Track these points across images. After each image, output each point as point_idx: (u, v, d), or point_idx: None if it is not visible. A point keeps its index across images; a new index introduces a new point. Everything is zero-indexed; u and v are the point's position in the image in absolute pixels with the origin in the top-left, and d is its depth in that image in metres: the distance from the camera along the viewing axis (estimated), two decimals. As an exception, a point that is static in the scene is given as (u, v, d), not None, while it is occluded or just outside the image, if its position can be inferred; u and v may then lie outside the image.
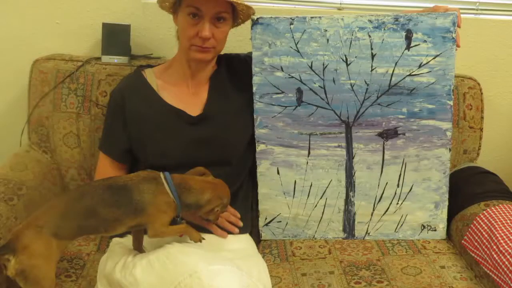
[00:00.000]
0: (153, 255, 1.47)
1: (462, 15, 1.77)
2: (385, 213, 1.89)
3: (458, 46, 1.77)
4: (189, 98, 1.79)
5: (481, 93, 2.06)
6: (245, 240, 1.79)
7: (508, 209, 1.78)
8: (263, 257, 1.81)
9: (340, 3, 2.19)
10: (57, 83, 1.97)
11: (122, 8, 2.08)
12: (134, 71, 1.86)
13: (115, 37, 2.02)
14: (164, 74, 1.82)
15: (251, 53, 1.87)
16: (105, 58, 2.02)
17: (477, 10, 2.22)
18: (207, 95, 1.80)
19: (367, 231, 1.91)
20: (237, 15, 1.74)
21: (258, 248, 1.86)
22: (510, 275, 1.56)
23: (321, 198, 1.90)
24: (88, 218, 1.46)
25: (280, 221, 1.93)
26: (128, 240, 1.67)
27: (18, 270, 1.38)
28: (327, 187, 1.89)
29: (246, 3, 1.69)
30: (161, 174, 1.53)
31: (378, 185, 1.88)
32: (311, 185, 1.89)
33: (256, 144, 1.87)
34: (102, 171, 1.79)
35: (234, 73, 1.86)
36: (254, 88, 1.82)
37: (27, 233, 1.40)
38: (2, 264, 1.40)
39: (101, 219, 1.46)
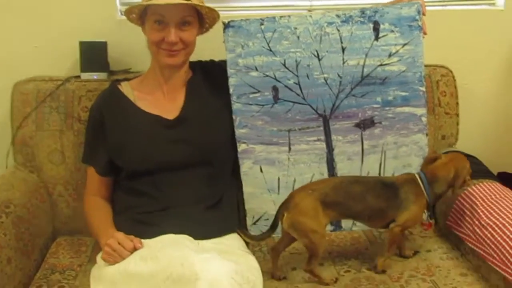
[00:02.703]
0: (146, 251, 1.51)
1: (429, 8, 1.84)
2: (369, 202, 1.92)
3: (425, 33, 1.83)
4: (165, 104, 1.84)
5: (454, 80, 2.11)
6: (233, 239, 1.81)
7: (488, 186, 1.82)
8: (253, 254, 1.82)
9: (310, 5, 2.25)
10: (38, 102, 2.00)
11: (98, 25, 2.12)
12: (109, 85, 1.91)
13: (93, 54, 2.07)
14: (140, 85, 1.87)
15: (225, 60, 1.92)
16: (85, 75, 2.06)
17: (443, 1, 2.29)
18: (184, 99, 1.84)
19: (353, 222, 1.92)
20: (203, 18, 1.80)
21: (248, 247, 1.88)
22: (493, 246, 1.59)
23: (305, 193, 1.93)
24: (356, 201, 1.69)
25: (268, 219, 1.93)
26: None
27: (289, 224, 1.64)
28: (310, 181, 1.91)
29: (208, 5, 1.75)
30: (416, 175, 1.73)
31: (360, 175, 1.90)
32: (295, 180, 1.91)
33: (237, 144, 1.89)
34: (88, 185, 1.88)
35: (210, 78, 1.91)
36: (231, 90, 1.86)
37: (300, 193, 1.68)
38: (280, 218, 1.67)
39: (368, 206, 1.69)
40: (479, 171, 1.92)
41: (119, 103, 1.83)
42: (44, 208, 1.99)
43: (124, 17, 2.12)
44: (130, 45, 2.13)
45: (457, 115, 2.10)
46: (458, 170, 1.72)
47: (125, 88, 1.86)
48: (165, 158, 1.77)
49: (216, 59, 1.97)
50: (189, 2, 1.70)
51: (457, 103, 2.11)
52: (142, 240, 1.63)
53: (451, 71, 2.12)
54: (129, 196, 1.79)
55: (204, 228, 1.73)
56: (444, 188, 1.72)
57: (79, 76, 2.07)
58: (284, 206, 1.68)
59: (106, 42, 2.08)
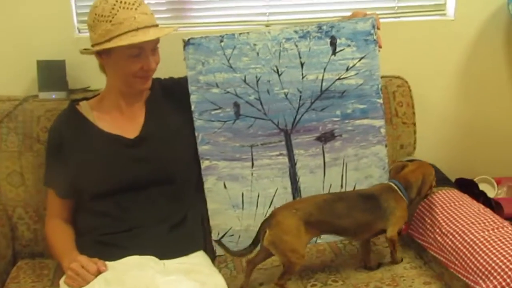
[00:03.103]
0: (110, 274, 1.50)
1: (383, 20, 1.88)
2: (332, 213, 1.95)
3: (380, 47, 1.87)
4: (125, 123, 1.83)
5: (410, 90, 2.17)
6: (199, 257, 1.81)
7: (447, 194, 1.88)
8: (219, 271, 1.83)
9: (267, 20, 2.27)
10: (-5, 123, 1.97)
11: (55, 44, 2.10)
12: (68, 105, 1.88)
13: (51, 73, 2.04)
14: (99, 105, 1.85)
15: (185, 77, 1.92)
16: (43, 95, 2.03)
17: (396, 14, 2.34)
18: (144, 118, 1.84)
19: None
20: None
21: (214, 264, 1.88)
22: (454, 253, 1.64)
23: (269, 207, 1.93)
24: (342, 219, 1.72)
25: (233, 235, 1.95)
26: None
27: (270, 241, 1.65)
28: (274, 195, 1.93)
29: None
30: (391, 184, 1.80)
31: (323, 187, 1.93)
32: (259, 195, 1.93)
33: (200, 160, 1.90)
34: (49, 208, 1.85)
35: (169, 95, 1.90)
36: (192, 106, 1.86)
37: (283, 212, 1.69)
38: (262, 235, 1.68)
39: (355, 222, 1.73)
40: (438, 178, 1.96)
41: (78, 124, 1.81)
42: (4, 231, 1.95)
43: (82, 35, 2.13)
44: (89, 63, 2.08)
45: (414, 124, 2.16)
46: (425, 176, 1.81)
47: (84, 108, 1.84)
48: (127, 178, 1.76)
49: (176, 75, 1.98)
50: (162, 32, 1.71)
51: (414, 113, 2.16)
52: (107, 263, 1.62)
53: (406, 82, 2.17)
54: (92, 217, 1.77)
55: (169, 248, 1.73)
56: (414, 193, 1.80)
57: (37, 96, 2.04)
58: (267, 223, 1.70)
59: (65, 60, 2.06)
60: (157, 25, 1.74)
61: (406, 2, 2.35)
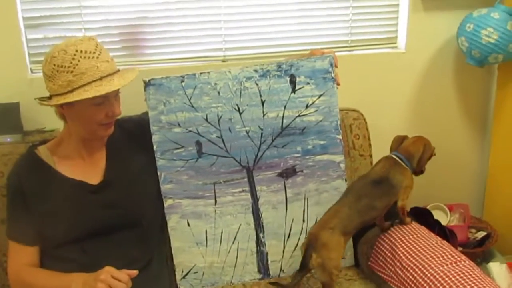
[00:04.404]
0: None
1: (337, 53, 1.92)
2: (295, 248, 1.97)
3: (338, 84, 1.92)
4: (87, 168, 1.80)
5: (365, 122, 2.22)
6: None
7: (406, 227, 1.92)
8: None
9: (224, 56, 2.30)
10: (-51, 168, 1.91)
11: (8, 86, 2.07)
12: (27, 151, 1.83)
13: (5, 116, 2.01)
14: (58, 149, 1.81)
15: (143, 114, 1.93)
16: (-3, 139, 1.99)
17: (349, 47, 2.41)
18: (106, 162, 1.82)
19: (281, 268, 1.98)
20: None
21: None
22: (415, 287, 1.69)
23: (233, 243, 1.95)
24: (369, 212, 1.80)
25: (197, 272, 1.96)
26: None
27: (319, 263, 1.69)
28: (237, 231, 1.95)
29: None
30: (393, 156, 1.89)
31: (285, 222, 1.96)
32: (222, 231, 1.94)
33: (163, 199, 1.90)
34: (15, 259, 1.77)
35: (129, 136, 1.89)
36: (154, 146, 1.87)
37: (323, 234, 1.72)
38: (308, 259, 1.71)
39: (379, 209, 1.82)
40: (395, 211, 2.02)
41: (39, 170, 1.77)
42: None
43: (35, 75, 2.10)
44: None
45: (371, 156, 2.21)
46: (426, 146, 1.92)
47: (43, 153, 1.80)
48: (93, 224, 1.74)
49: (136, 113, 1.97)
50: (127, 79, 1.68)
51: (370, 144, 2.22)
52: None
53: (361, 114, 2.22)
54: (58, 264, 1.73)
55: (136, 291, 1.72)
56: (415, 163, 1.89)
57: (-9, 139, 2.00)
58: (311, 248, 1.71)
59: (18, 102, 2.02)
60: (118, 70, 1.72)
61: (359, 35, 2.42)
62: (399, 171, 1.86)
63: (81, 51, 1.62)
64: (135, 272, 1.58)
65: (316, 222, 1.95)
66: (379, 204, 1.82)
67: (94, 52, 1.63)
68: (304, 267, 1.73)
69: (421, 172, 1.94)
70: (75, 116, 1.72)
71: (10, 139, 2.00)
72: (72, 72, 1.61)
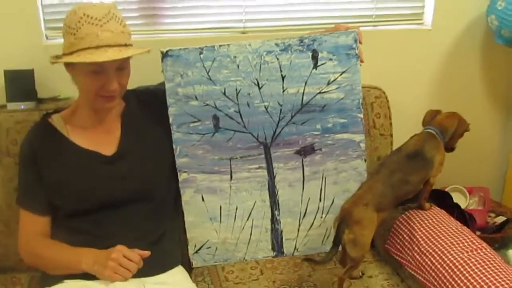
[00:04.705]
0: None
1: (360, 28, 1.86)
2: (310, 227, 1.94)
3: (362, 61, 1.85)
4: (101, 138, 1.76)
5: (387, 101, 2.16)
6: (178, 273, 1.78)
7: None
8: (197, 285, 1.80)
9: (244, 27, 2.23)
10: (-39, 135, 1.88)
11: (23, 53, 2.02)
12: (40, 119, 1.80)
13: (19, 83, 1.97)
14: (72, 118, 1.78)
15: (160, 84, 1.88)
16: (11, 105, 1.96)
17: (374, 22, 2.33)
18: (120, 133, 1.78)
19: (295, 247, 1.95)
20: None
21: (190, 277, 1.86)
22: (433, 273, 1.65)
23: (247, 220, 1.92)
24: (403, 187, 1.76)
25: (210, 247, 1.93)
26: (57, 287, 1.63)
27: (351, 239, 1.65)
28: (252, 208, 1.92)
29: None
30: (430, 130, 1.85)
31: (301, 201, 1.93)
32: (237, 208, 1.91)
33: (178, 173, 1.87)
34: (25, 228, 1.75)
35: (145, 107, 1.85)
36: (170, 119, 1.83)
37: (356, 210, 1.67)
38: (340, 234, 1.67)
39: (413, 184, 1.78)
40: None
41: (52, 138, 1.74)
42: (-27, 246, 1.88)
43: (50, 42, 2.05)
44: (58, 71, 2.00)
45: (391, 135, 2.15)
46: (460, 121, 1.90)
47: (57, 121, 1.77)
48: (105, 196, 1.71)
49: (152, 83, 1.93)
50: (122, 54, 1.60)
51: (391, 124, 2.16)
52: (85, 282, 1.58)
53: (384, 92, 2.16)
54: (69, 235, 1.70)
55: (147, 266, 1.68)
56: (448, 138, 1.88)
57: (5, 106, 1.96)
58: (344, 223, 1.67)
59: (33, 69, 1.98)
60: (124, 45, 1.64)
61: (384, 10, 2.34)
62: (434, 145, 1.82)
63: (88, 16, 1.57)
64: (147, 253, 1.56)
65: (332, 202, 1.93)
66: (413, 179, 1.78)
67: (100, 20, 1.58)
68: (338, 243, 1.70)
69: (452, 149, 1.91)
70: (77, 81, 1.70)
71: (24, 106, 1.96)
72: (74, 34, 1.58)
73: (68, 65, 1.66)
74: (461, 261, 1.60)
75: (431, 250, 1.69)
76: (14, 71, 1.97)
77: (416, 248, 1.74)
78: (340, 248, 1.69)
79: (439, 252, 1.67)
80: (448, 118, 1.90)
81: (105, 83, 1.63)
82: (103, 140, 1.76)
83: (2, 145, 1.90)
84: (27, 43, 2.04)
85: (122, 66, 1.65)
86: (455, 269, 1.59)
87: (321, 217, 1.94)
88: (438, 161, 1.82)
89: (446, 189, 2.39)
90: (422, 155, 1.79)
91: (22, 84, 1.97)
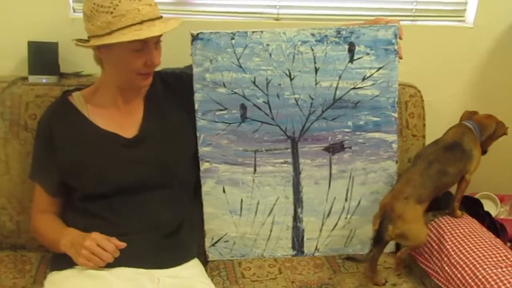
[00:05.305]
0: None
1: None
2: (334, 228, 1.87)
3: (400, 57, 1.77)
4: (122, 120, 1.70)
5: (422, 100, 2.06)
6: (193, 267, 1.71)
7: (456, 219, 1.79)
8: (212, 280, 1.73)
9: (277, 13, 2.14)
10: (-20, 107, 1.82)
11: (48, 24, 1.94)
12: (60, 97, 1.74)
13: (42, 56, 1.89)
14: (93, 97, 1.71)
15: (187, 67, 1.80)
16: (33, 78, 1.88)
17: (413, 16, 2.23)
18: (143, 115, 1.71)
19: (316, 247, 1.88)
20: None
21: (206, 270, 1.79)
22: (462, 287, 1.56)
23: (268, 215, 1.85)
24: (441, 178, 1.73)
25: (228, 241, 1.86)
26: (67, 272, 1.58)
27: (397, 234, 1.64)
28: (275, 204, 1.84)
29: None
30: (467, 124, 1.83)
31: (326, 200, 1.85)
32: (258, 202, 1.84)
33: (200, 162, 1.80)
34: (35, 204, 1.72)
35: (170, 91, 1.77)
36: (196, 105, 1.75)
37: (398, 204, 1.65)
38: (384, 231, 1.65)
39: (452, 175, 1.76)
40: (446, 198, 1.88)
41: (71, 117, 1.67)
42: (-15, 222, 1.83)
43: (77, 15, 1.98)
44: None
45: (424, 137, 2.06)
46: (499, 124, 1.88)
47: (77, 100, 1.70)
48: (123, 180, 1.64)
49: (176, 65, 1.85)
50: (169, 26, 1.56)
51: (424, 125, 2.06)
52: (97, 272, 1.52)
53: (419, 91, 2.06)
54: (83, 218, 1.65)
55: (162, 258, 1.64)
56: (484, 138, 1.85)
57: (26, 78, 1.89)
58: (387, 220, 1.65)
59: (57, 43, 1.91)
60: (161, 17, 1.59)
61: (425, 5, 2.22)
62: (472, 139, 1.80)
63: None
64: (123, 244, 1.50)
65: (358, 202, 1.85)
66: (451, 170, 1.75)
67: None
68: (380, 240, 1.67)
69: (484, 151, 1.86)
70: (113, 62, 1.61)
71: (46, 80, 1.88)
72: (111, 13, 1.50)
73: (101, 47, 1.58)
74: (495, 277, 1.51)
75: (461, 262, 1.60)
76: (38, 42, 1.90)
77: (445, 259, 1.65)
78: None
79: (470, 266, 1.58)
80: (487, 119, 1.87)
81: (148, 58, 1.57)
82: (124, 122, 1.69)
83: (21, 119, 1.83)
84: (54, 15, 1.96)
85: (159, 40, 1.60)
86: (488, 285, 1.50)
87: (346, 218, 1.86)
88: (476, 156, 1.79)
89: (476, 196, 2.29)
90: (460, 147, 1.77)
91: (45, 57, 1.89)
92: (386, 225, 1.64)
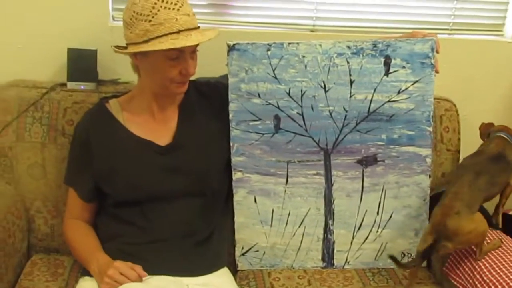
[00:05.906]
0: None
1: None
2: (365, 241, 1.85)
3: (437, 71, 1.75)
4: (157, 127, 1.71)
5: (457, 115, 2.04)
6: (223, 275, 1.72)
7: (491, 236, 1.76)
8: (242, 290, 1.75)
9: (313, 25, 2.14)
10: (20, 112, 1.86)
11: (88, 32, 1.97)
12: (97, 104, 1.77)
13: (81, 62, 1.92)
14: (129, 104, 1.74)
15: (222, 77, 1.82)
16: (71, 85, 1.91)
17: (450, 30, 2.21)
18: (177, 123, 1.73)
19: (346, 259, 1.87)
20: None
21: (235, 279, 1.80)
22: (496, 307, 1.54)
23: (299, 226, 1.85)
24: (490, 188, 1.75)
25: (258, 251, 1.87)
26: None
27: (460, 247, 1.70)
28: (306, 215, 1.84)
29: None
30: (502, 135, 1.87)
31: (358, 212, 1.84)
32: (289, 213, 1.84)
33: (233, 172, 1.81)
34: (70, 208, 1.76)
35: (205, 100, 1.79)
36: (230, 115, 1.76)
37: (450, 221, 1.64)
38: (440, 249, 1.66)
39: (499, 185, 1.79)
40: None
41: (108, 124, 1.70)
42: (20, 225, 1.85)
43: (116, 23, 2.01)
44: (120, 54, 2.00)
45: (458, 151, 2.04)
46: None
47: (114, 107, 1.73)
48: (156, 187, 1.66)
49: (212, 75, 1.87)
50: (205, 36, 1.58)
51: (459, 139, 2.04)
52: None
53: (454, 105, 2.04)
54: (115, 224, 1.68)
55: (193, 265, 1.65)
56: None
57: (65, 84, 1.93)
58: (442, 238, 1.64)
59: (96, 50, 1.94)
60: (198, 27, 1.61)
61: (463, 19, 2.21)
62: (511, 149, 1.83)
63: (162, 1, 1.52)
64: (144, 274, 1.52)
65: (390, 216, 1.84)
66: (500, 180, 1.79)
67: (175, 4, 1.53)
68: (426, 256, 1.69)
69: None
70: (149, 69, 1.63)
71: (84, 87, 1.92)
72: (150, 21, 1.52)
73: (138, 54, 1.60)
74: (528, 297, 1.49)
75: (494, 280, 1.58)
76: (78, 50, 1.93)
77: (478, 276, 1.63)
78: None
79: (504, 284, 1.55)
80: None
81: (183, 68, 1.59)
82: (159, 130, 1.71)
83: (58, 124, 1.87)
84: (94, 23, 2.00)
85: (195, 49, 1.61)
86: (521, 305, 1.48)
87: (377, 231, 1.85)
88: None
89: (510, 213, 2.25)
90: (504, 158, 1.80)
91: (84, 64, 1.92)
92: (442, 243, 1.63)
